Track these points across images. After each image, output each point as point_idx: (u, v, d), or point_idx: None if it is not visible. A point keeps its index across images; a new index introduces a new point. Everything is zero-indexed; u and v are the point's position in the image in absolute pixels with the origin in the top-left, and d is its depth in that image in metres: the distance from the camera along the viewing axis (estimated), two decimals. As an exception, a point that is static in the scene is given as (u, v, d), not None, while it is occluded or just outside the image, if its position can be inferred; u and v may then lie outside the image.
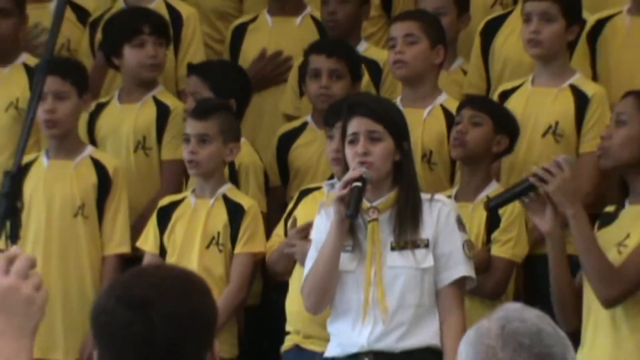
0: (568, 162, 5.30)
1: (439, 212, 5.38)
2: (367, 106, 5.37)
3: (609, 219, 5.41)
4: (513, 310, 2.91)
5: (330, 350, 5.37)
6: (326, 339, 5.56)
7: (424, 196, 5.32)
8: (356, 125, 5.23)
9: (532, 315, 2.90)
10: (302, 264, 5.66)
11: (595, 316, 5.37)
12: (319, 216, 5.45)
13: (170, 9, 7.24)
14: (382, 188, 5.31)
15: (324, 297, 5.37)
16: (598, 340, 5.36)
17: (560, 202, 5.24)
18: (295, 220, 5.97)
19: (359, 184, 5.11)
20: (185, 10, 7.24)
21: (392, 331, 5.29)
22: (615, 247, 5.39)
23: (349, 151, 5.27)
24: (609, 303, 5.30)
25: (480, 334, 2.90)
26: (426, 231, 5.32)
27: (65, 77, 6.20)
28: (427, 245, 5.32)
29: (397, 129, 5.29)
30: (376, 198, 5.29)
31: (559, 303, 5.34)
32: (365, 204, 5.25)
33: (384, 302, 5.33)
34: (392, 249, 5.32)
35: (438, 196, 5.50)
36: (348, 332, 5.36)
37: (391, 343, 5.29)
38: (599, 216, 5.46)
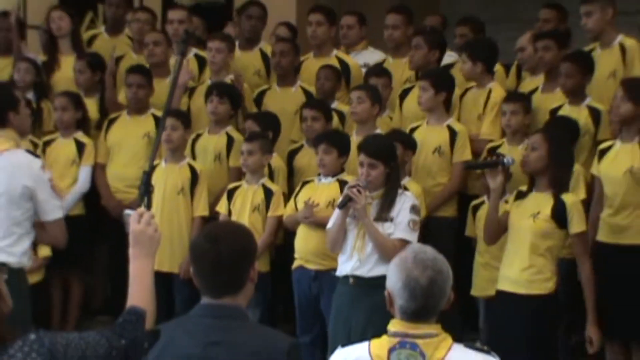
0: (509, 161, 6.35)
1: (403, 201, 6.19)
2: (367, 148, 6.24)
3: (522, 196, 6.22)
4: (419, 247, 3.50)
5: (338, 269, 6.33)
6: (317, 263, 6.82)
7: (400, 191, 6.18)
8: (362, 158, 6.17)
9: (429, 249, 3.46)
10: (306, 224, 6.84)
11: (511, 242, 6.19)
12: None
13: None
14: (378, 187, 6.20)
15: (335, 247, 6.32)
16: (511, 257, 6.17)
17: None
18: (307, 202, 6.88)
19: (354, 190, 6.09)
20: None
21: (364, 265, 6.19)
22: (531, 216, 6.11)
23: (360, 169, 6.20)
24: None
25: (401, 261, 3.43)
26: (393, 212, 6.16)
27: (178, 118, 7.40)
28: (392, 220, 6.15)
29: (387, 157, 6.18)
30: (373, 191, 6.22)
31: (489, 230, 6.31)
32: (367, 195, 6.15)
33: (362, 249, 6.19)
34: (374, 220, 6.17)
35: (407, 192, 6.32)
36: (344, 262, 6.29)
37: (364, 272, 6.19)
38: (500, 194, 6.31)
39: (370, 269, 6.15)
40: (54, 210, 5.46)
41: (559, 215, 6.05)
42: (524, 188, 6.27)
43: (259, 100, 8.20)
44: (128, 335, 3.16)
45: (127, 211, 3.10)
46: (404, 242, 5.90)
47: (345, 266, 6.26)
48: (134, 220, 3.38)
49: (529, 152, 6.17)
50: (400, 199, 6.18)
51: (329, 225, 6.30)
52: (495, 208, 6.27)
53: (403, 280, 3.36)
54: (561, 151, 6.19)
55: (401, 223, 6.12)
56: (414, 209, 6.19)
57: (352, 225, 6.24)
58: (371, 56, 8.48)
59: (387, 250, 5.99)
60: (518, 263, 6.11)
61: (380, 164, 6.15)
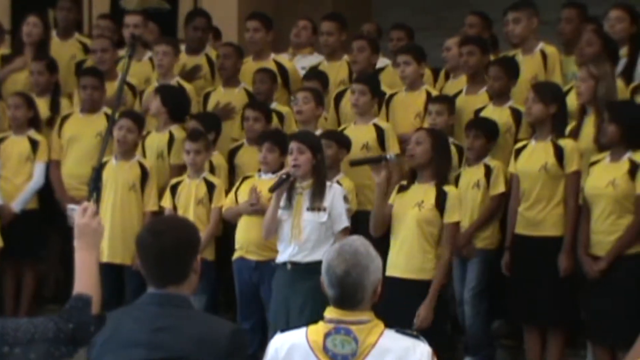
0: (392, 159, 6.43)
1: (334, 192, 6.35)
2: (297, 135, 6.58)
3: (405, 188, 6.37)
4: (350, 240, 3.54)
5: (277, 258, 6.43)
6: (257, 253, 6.85)
7: (327, 183, 6.35)
8: (292, 145, 6.35)
9: (357, 243, 3.49)
10: (251, 213, 6.84)
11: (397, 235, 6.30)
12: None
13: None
14: (305, 173, 6.34)
15: (269, 233, 6.45)
16: (398, 245, 6.28)
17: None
18: (253, 188, 6.86)
19: (284, 176, 6.30)
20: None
21: (301, 252, 6.31)
22: (416, 205, 6.26)
23: (289, 157, 6.34)
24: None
25: (330, 250, 3.54)
26: (325, 202, 6.31)
27: (134, 121, 7.42)
28: (325, 209, 6.29)
29: (314, 146, 6.35)
30: (301, 179, 6.35)
31: (375, 221, 6.34)
32: (297, 185, 6.31)
33: (299, 237, 6.31)
34: (307, 210, 6.33)
35: (335, 184, 6.47)
36: (282, 250, 6.40)
37: (300, 258, 6.31)
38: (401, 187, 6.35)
39: (306, 255, 6.24)
40: None
41: (442, 204, 6.16)
42: (404, 183, 6.37)
43: (205, 100, 8.22)
44: (75, 320, 3.20)
45: (71, 206, 3.12)
46: (347, 230, 6.13)
47: (284, 254, 6.34)
48: (79, 214, 3.39)
49: (414, 146, 6.26)
50: (330, 190, 6.28)
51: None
52: (381, 201, 6.31)
53: (325, 268, 3.44)
54: (443, 145, 6.34)
55: (341, 214, 6.25)
56: (346, 199, 6.35)
57: (285, 215, 6.31)
58: (314, 60, 8.56)
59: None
60: (405, 250, 6.18)
61: (307, 151, 6.24)
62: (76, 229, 3.39)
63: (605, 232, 6.24)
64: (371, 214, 6.41)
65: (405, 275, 6.18)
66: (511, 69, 7.26)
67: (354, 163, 6.74)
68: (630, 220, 6.20)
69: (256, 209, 6.85)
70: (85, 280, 3.28)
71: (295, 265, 6.27)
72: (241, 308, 7.03)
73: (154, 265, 3.39)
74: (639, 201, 6.17)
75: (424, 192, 6.28)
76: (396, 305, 5.81)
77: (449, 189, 6.29)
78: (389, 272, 6.11)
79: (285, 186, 6.28)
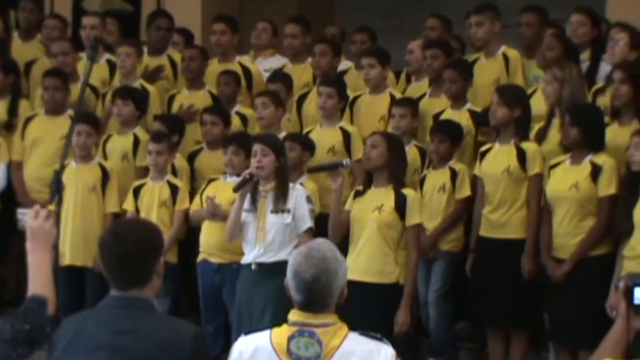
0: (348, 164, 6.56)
1: (297, 194, 6.38)
2: (261, 137, 6.59)
3: (361, 193, 6.44)
4: (316, 243, 3.57)
5: (243, 259, 6.44)
6: (220, 256, 6.84)
7: (290, 185, 6.38)
8: (256, 147, 6.36)
9: (324, 247, 3.52)
10: (211, 219, 6.84)
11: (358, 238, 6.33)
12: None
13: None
14: (269, 175, 6.36)
15: (232, 234, 6.44)
16: (357, 249, 6.34)
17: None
18: (209, 197, 6.89)
19: (247, 176, 6.28)
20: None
21: (267, 253, 6.34)
22: (376, 209, 6.30)
23: (252, 159, 6.32)
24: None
25: (296, 254, 3.54)
26: (289, 204, 6.33)
27: (91, 125, 7.40)
28: (289, 211, 6.32)
29: (278, 149, 6.37)
30: (264, 182, 6.38)
31: (333, 227, 6.41)
32: (261, 188, 6.33)
33: (265, 239, 6.35)
34: (271, 212, 6.37)
35: (297, 185, 6.51)
36: (248, 252, 6.42)
37: (265, 259, 6.34)
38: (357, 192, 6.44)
39: (272, 256, 6.28)
40: None
41: (402, 207, 6.20)
42: (360, 188, 6.40)
43: (170, 103, 8.23)
44: (31, 321, 3.22)
45: (21, 210, 3.13)
46: (311, 230, 6.22)
47: (249, 256, 6.38)
48: (32, 217, 3.41)
49: (370, 150, 6.30)
50: (293, 191, 6.33)
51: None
52: (337, 207, 6.36)
53: (292, 273, 3.43)
54: (398, 149, 6.38)
55: (304, 215, 6.30)
56: (309, 199, 6.38)
57: (250, 218, 6.35)
58: (276, 62, 8.55)
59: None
60: (365, 254, 6.22)
61: (271, 153, 6.28)
62: (29, 231, 3.41)
63: (568, 235, 6.26)
64: (330, 219, 6.45)
65: (365, 279, 6.18)
66: (465, 72, 7.29)
67: (311, 170, 6.79)
68: (592, 222, 6.23)
69: (215, 215, 6.86)
70: (39, 282, 3.29)
71: (260, 265, 6.31)
72: (205, 311, 7.04)
73: (117, 268, 3.37)
74: (601, 203, 6.20)
75: (382, 196, 6.31)
76: (356, 308, 5.73)
77: (407, 191, 6.32)
78: (348, 276, 6.12)
79: (249, 187, 6.29)
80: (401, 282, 6.34)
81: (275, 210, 6.32)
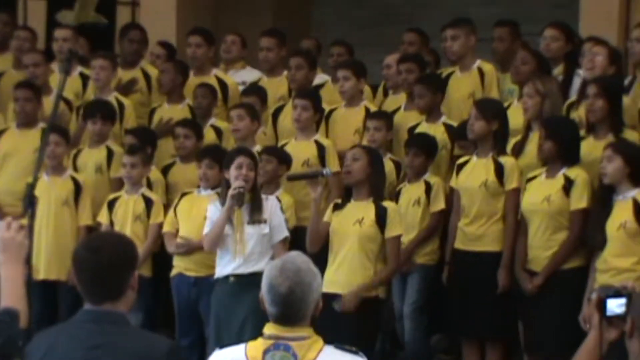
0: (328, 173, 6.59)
1: (271, 204, 6.53)
2: (246, 151, 6.63)
3: (341, 207, 6.46)
4: (291, 256, 3.54)
5: (217, 273, 6.55)
6: (196, 270, 6.92)
7: (263, 196, 6.52)
8: (242, 160, 6.44)
9: (298, 260, 3.49)
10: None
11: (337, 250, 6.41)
12: (212, 205, 6.57)
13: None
14: (245, 193, 6.45)
15: (215, 245, 6.51)
16: (337, 262, 6.38)
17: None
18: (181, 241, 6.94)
19: (242, 190, 6.36)
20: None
21: (245, 264, 6.44)
22: (356, 222, 6.34)
23: (235, 172, 6.38)
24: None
25: (271, 267, 3.52)
26: (265, 214, 6.46)
27: (60, 135, 7.43)
28: (265, 222, 6.44)
29: (256, 163, 6.53)
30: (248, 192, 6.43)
31: (311, 237, 6.42)
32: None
33: (243, 250, 6.46)
34: (248, 223, 6.49)
35: (270, 196, 6.62)
36: (225, 265, 6.51)
37: (244, 270, 6.43)
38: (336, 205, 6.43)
39: (251, 266, 6.35)
40: None
41: (382, 220, 6.23)
42: (339, 201, 6.44)
43: (150, 116, 8.27)
44: (3, 334, 3.19)
45: None
46: (287, 239, 6.37)
47: (226, 268, 6.42)
48: (3, 229, 3.37)
49: (351, 162, 6.33)
50: (267, 202, 6.44)
51: (207, 229, 6.46)
52: (317, 217, 6.39)
53: (267, 286, 3.42)
54: (378, 162, 6.42)
55: (280, 224, 6.41)
56: (282, 209, 6.51)
57: (227, 230, 6.40)
58: (249, 75, 8.55)
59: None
60: (346, 267, 6.26)
61: (254, 168, 6.43)
62: (1, 243, 3.37)
63: (541, 248, 6.30)
64: (307, 230, 6.48)
65: (346, 292, 6.22)
66: (436, 86, 7.32)
67: (291, 178, 6.81)
68: (565, 235, 6.28)
69: (187, 249, 6.95)
70: (11, 294, 3.26)
71: (239, 277, 6.35)
72: (180, 324, 7.03)
73: (91, 282, 3.34)
74: (573, 217, 6.24)
75: (363, 209, 6.34)
76: (334, 321, 5.84)
77: (387, 204, 6.36)
78: (327, 289, 5.78)
79: (240, 200, 6.33)
80: (380, 296, 6.38)
81: (252, 222, 6.38)
